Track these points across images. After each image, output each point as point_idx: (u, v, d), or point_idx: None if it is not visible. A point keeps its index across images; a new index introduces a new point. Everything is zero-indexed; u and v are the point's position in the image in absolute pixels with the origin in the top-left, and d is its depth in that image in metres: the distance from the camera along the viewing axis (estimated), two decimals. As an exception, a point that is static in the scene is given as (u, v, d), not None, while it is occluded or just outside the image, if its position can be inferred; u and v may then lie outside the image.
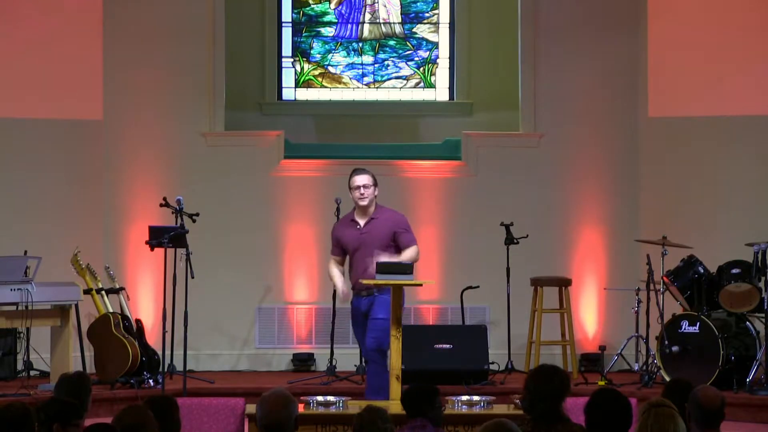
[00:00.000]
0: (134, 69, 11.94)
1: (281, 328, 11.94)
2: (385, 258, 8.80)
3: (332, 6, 13.08)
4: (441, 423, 6.22)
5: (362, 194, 8.98)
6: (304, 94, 13.03)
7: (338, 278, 9.19)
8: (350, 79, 13.07)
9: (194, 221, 10.10)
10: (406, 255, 8.91)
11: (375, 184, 9.07)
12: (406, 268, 8.84)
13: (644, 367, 10.54)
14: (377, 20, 13.09)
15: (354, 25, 13.09)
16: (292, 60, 13.01)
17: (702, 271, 10.47)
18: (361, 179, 9.02)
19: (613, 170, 12.12)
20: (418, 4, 13.11)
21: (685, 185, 11.92)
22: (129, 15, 11.94)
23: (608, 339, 11.70)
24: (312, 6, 13.07)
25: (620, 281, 11.69)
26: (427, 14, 13.11)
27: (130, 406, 5.25)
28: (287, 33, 13.02)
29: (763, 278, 10.17)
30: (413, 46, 13.09)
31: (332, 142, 12.60)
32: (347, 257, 9.22)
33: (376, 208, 9.08)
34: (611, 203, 12.09)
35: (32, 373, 10.82)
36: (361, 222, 9.03)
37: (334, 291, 10.83)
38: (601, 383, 10.19)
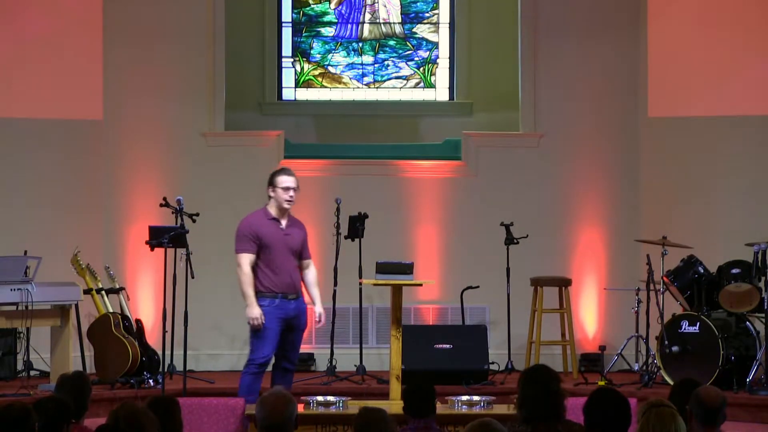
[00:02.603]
0: (134, 69, 11.94)
1: (281, 328, 11.91)
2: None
3: (332, 6, 13.08)
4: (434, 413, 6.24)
5: (291, 197, 8.67)
6: (304, 94, 13.03)
7: (254, 295, 8.65)
8: (350, 79, 13.07)
9: (194, 221, 10.08)
10: (313, 276, 8.88)
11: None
12: (406, 268, 8.84)
13: (644, 367, 10.54)
14: (377, 20, 13.08)
15: (354, 25, 13.09)
16: (292, 60, 13.01)
17: (702, 271, 10.47)
18: (294, 181, 8.69)
19: (613, 170, 12.12)
20: (418, 4, 13.11)
21: (685, 185, 11.92)
22: (129, 15, 11.94)
23: (608, 339, 11.70)
24: (312, 6, 13.07)
25: (620, 281, 11.68)
26: (427, 14, 13.11)
27: (125, 404, 5.21)
28: (287, 33, 13.02)
29: (763, 278, 10.17)
30: (413, 46, 13.09)
31: (332, 142, 12.60)
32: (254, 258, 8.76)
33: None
34: (611, 203, 12.09)
35: (32, 373, 10.81)
36: (283, 223, 8.73)
37: (334, 291, 10.86)
38: (601, 383, 10.17)
